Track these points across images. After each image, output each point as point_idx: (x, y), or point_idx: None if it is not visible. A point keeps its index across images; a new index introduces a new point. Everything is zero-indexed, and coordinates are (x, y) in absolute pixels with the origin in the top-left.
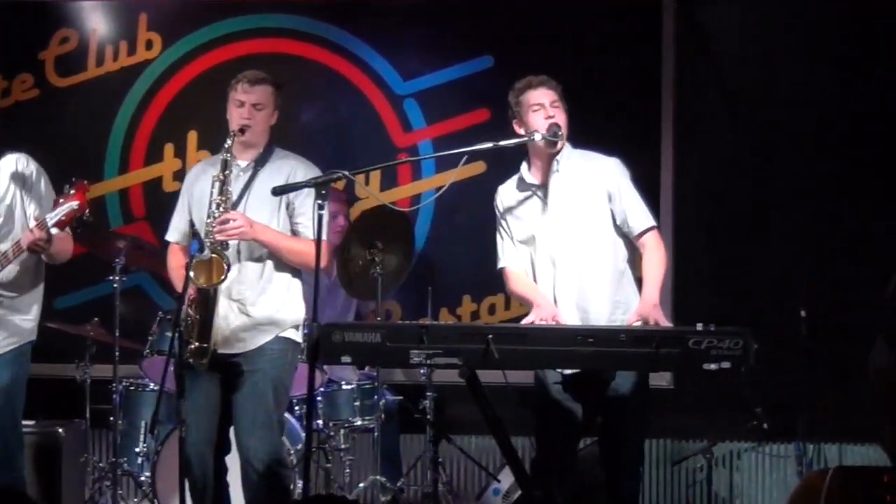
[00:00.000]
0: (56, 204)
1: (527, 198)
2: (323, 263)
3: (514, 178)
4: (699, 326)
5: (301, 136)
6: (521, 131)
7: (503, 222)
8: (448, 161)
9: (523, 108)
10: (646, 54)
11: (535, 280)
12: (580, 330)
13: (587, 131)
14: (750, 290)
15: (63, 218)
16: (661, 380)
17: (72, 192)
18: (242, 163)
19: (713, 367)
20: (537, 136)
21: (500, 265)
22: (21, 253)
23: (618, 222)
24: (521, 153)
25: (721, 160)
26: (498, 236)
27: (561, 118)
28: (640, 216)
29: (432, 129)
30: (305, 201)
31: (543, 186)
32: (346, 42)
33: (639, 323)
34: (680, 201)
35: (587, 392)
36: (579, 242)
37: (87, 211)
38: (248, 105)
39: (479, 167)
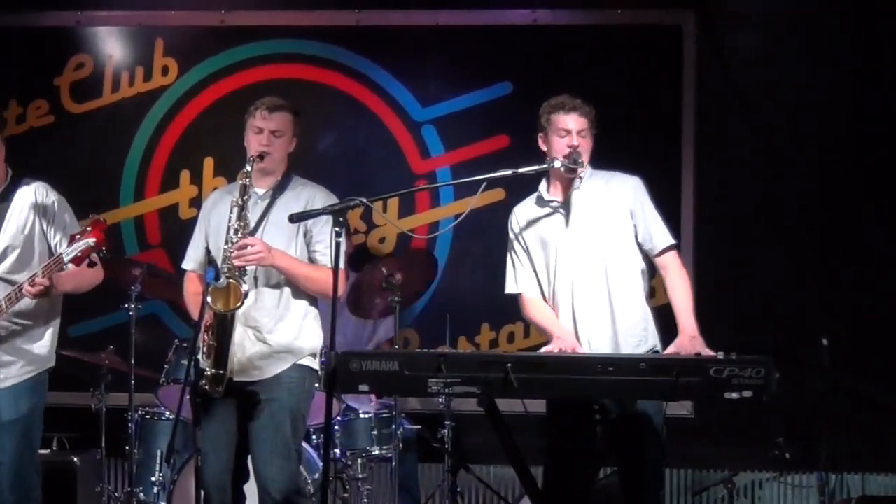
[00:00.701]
0: (72, 240)
1: (547, 214)
2: (339, 291)
3: (531, 197)
4: (720, 355)
5: (318, 163)
6: (544, 148)
7: (518, 244)
8: (467, 188)
9: (550, 128)
10: (667, 78)
11: (553, 299)
12: (600, 358)
13: (607, 154)
14: (771, 317)
15: (79, 255)
16: (681, 409)
17: (88, 228)
18: (260, 190)
19: (735, 396)
20: (557, 164)
21: (512, 290)
22: (21, 299)
23: (639, 239)
24: (541, 179)
25: (742, 184)
26: (510, 260)
27: (585, 146)
28: (661, 233)
29: (451, 155)
30: (323, 229)
31: (565, 203)
32: (363, 67)
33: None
34: (700, 227)
35: (602, 419)
36: (603, 256)
37: (105, 248)
38: (266, 132)
39: (498, 194)
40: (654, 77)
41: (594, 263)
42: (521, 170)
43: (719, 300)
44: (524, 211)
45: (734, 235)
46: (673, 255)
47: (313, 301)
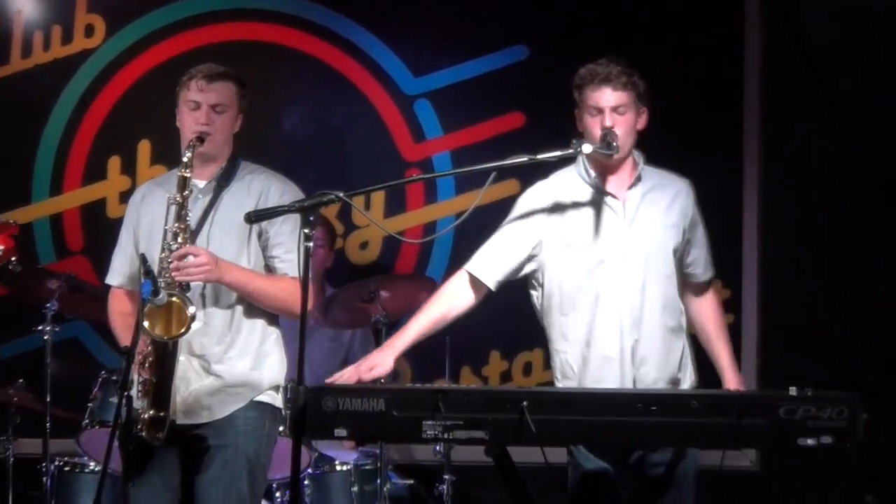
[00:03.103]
0: None
1: (595, 206)
2: (309, 305)
3: (567, 176)
4: (793, 391)
5: (283, 148)
6: (580, 127)
7: (527, 223)
8: (471, 180)
9: (582, 105)
10: (724, 44)
11: (594, 308)
12: (641, 395)
13: (649, 140)
14: (857, 347)
15: None
16: (743, 459)
17: None
18: (200, 182)
19: (811, 442)
20: (586, 148)
21: (471, 268)
22: None
23: (687, 259)
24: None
25: (818, 182)
26: (501, 236)
27: (624, 125)
28: (709, 260)
29: (451, 138)
30: (282, 228)
31: (622, 199)
32: (341, 28)
33: None
34: (766, 233)
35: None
36: (652, 276)
37: (14, 258)
38: (205, 107)
39: (510, 187)
40: (708, 42)
41: (655, 278)
42: (541, 156)
43: (790, 326)
44: (560, 192)
45: (807, 244)
46: (715, 286)
47: (273, 319)
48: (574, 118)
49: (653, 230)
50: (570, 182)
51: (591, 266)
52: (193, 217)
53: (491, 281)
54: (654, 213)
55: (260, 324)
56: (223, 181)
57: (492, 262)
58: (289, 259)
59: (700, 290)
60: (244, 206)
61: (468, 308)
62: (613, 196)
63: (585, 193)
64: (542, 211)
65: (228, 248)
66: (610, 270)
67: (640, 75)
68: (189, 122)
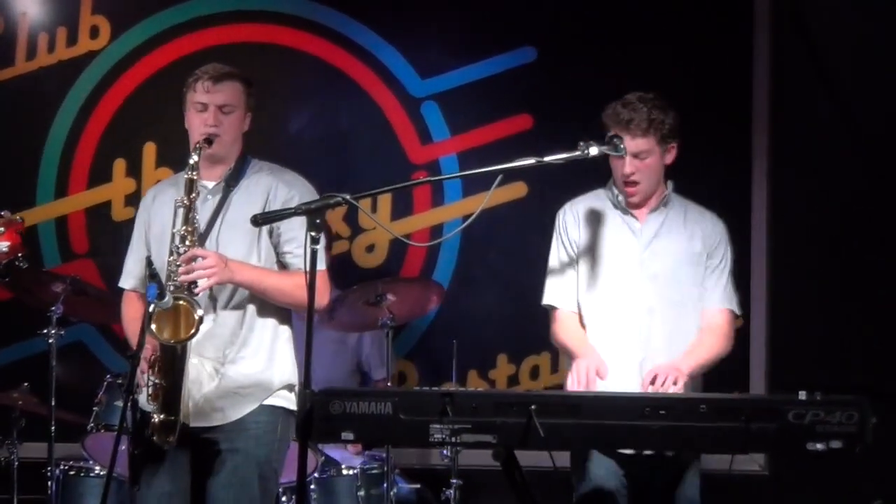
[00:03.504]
0: None
1: (617, 224)
2: (324, 300)
3: (597, 195)
4: (802, 395)
5: (289, 150)
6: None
7: (566, 246)
8: (478, 182)
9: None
10: (733, 46)
11: (602, 328)
12: (649, 399)
13: None
14: (864, 351)
15: None
16: (752, 463)
17: (0, 229)
18: (209, 183)
19: (820, 447)
20: (593, 150)
21: (547, 301)
22: None
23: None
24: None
25: (828, 186)
26: (556, 264)
27: (647, 170)
28: (727, 292)
29: (458, 140)
30: (293, 224)
31: (642, 219)
32: (347, 29)
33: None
34: (775, 237)
35: (638, 474)
36: (666, 301)
37: (21, 254)
38: (212, 108)
39: (518, 189)
40: (718, 43)
41: (675, 314)
42: (548, 158)
43: (799, 330)
44: (586, 206)
45: (817, 249)
46: (727, 314)
47: (285, 317)
48: (581, 119)
49: (667, 256)
50: (598, 199)
51: (604, 283)
52: (203, 218)
53: (573, 306)
54: (674, 239)
55: (272, 322)
56: (232, 181)
57: (566, 289)
58: (301, 254)
59: (710, 315)
60: (252, 205)
61: None
62: (634, 217)
63: (610, 211)
64: (574, 228)
65: (238, 247)
66: (620, 290)
67: (671, 108)
68: (197, 124)
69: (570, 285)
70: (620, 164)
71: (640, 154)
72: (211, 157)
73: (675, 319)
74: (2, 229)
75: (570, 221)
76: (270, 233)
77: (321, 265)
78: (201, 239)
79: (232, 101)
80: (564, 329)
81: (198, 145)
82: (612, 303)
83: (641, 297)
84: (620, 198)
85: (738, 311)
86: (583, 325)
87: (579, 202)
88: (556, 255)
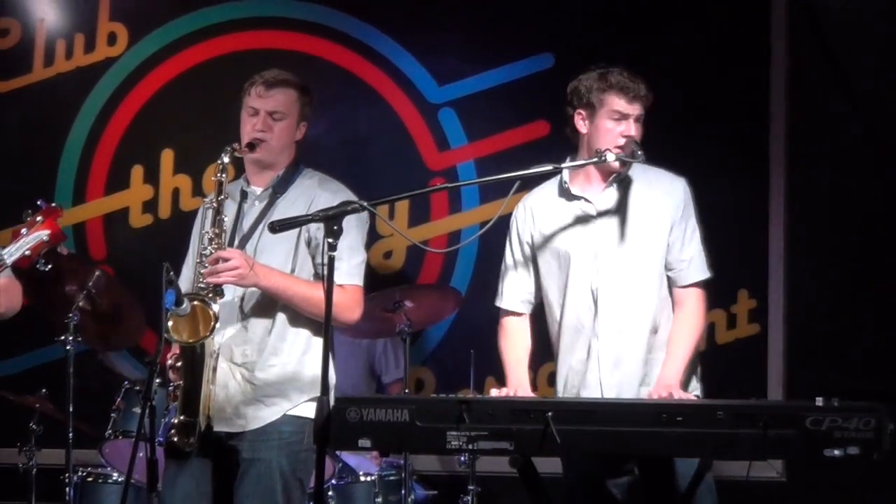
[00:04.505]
0: (16, 235)
1: (576, 216)
2: (355, 315)
3: (547, 186)
4: (819, 401)
5: (308, 156)
6: (582, 129)
7: (519, 246)
8: (496, 188)
9: (600, 108)
10: (751, 52)
11: (568, 328)
12: (666, 405)
13: (672, 149)
14: (882, 357)
15: (28, 252)
16: (769, 470)
17: (38, 218)
18: (257, 189)
19: (837, 453)
20: (610, 157)
21: (499, 302)
22: None
23: (668, 258)
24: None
25: (845, 191)
26: (506, 262)
27: (638, 134)
28: (696, 263)
29: (475, 147)
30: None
31: (603, 204)
32: (364, 36)
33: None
34: (792, 242)
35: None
36: (627, 276)
37: (62, 242)
38: (262, 114)
39: None
40: (735, 49)
41: (639, 291)
42: (566, 165)
43: (817, 336)
44: (539, 201)
45: (835, 252)
46: (698, 292)
47: (317, 329)
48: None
49: (626, 236)
50: (549, 191)
51: (561, 266)
52: (247, 223)
53: (524, 308)
54: (633, 216)
55: (305, 334)
56: (280, 188)
57: (514, 290)
58: (336, 266)
59: (682, 297)
60: (295, 213)
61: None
62: (586, 199)
63: (560, 199)
64: (526, 225)
65: (277, 255)
66: (578, 277)
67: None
68: (248, 129)
69: (520, 285)
70: (622, 128)
71: (639, 118)
72: (258, 162)
73: (638, 299)
74: (41, 218)
75: (520, 218)
76: (308, 243)
77: (357, 280)
78: (243, 242)
79: (283, 108)
80: (507, 340)
81: (233, 148)
82: (573, 292)
83: (600, 280)
84: (567, 185)
85: (709, 275)
86: (547, 321)
87: (530, 197)
88: (508, 255)
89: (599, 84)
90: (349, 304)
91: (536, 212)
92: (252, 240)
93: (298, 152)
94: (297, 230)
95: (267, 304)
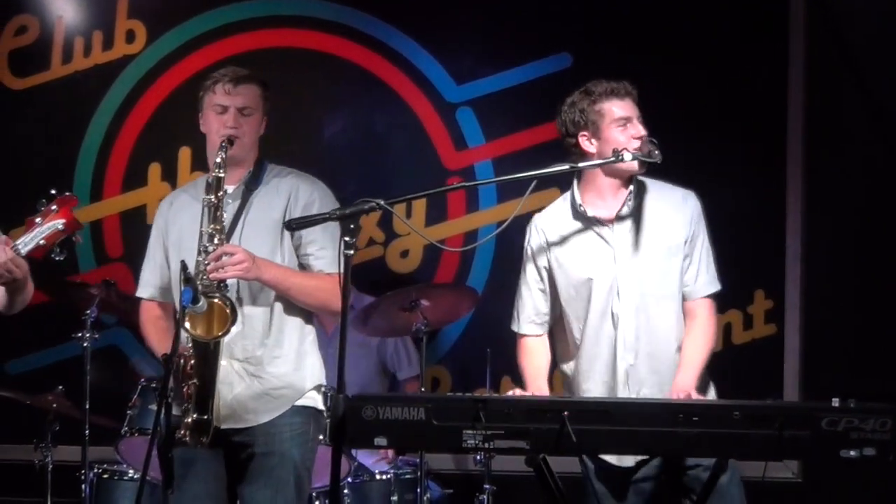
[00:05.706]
0: (30, 225)
1: (585, 236)
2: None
3: (561, 204)
4: (836, 402)
5: (323, 155)
6: (590, 148)
7: (534, 268)
8: (513, 188)
9: (603, 121)
10: (769, 52)
11: (577, 339)
12: (682, 405)
13: (694, 153)
14: None
15: (43, 242)
16: (785, 470)
17: (53, 207)
18: (229, 187)
19: (853, 454)
20: (627, 157)
21: (516, 327)
22: None
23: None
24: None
25: (862, 194)
26: (523, 285)
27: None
28: (708, 276)
29: (493, 146)
30: (315, 227)
31: (610, 223)
32: (382, 34)
33: None
34: (810, 244)
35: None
36: (648, 300)
37: (78, 231)
38: (232, 110)
39: (552, 195)
40: (754, 48)
41: (661, 313)
42: (582, 164)
43: (833, 337)
44: (552, 223)
45: (853, 253)
46: (710, 303)
47: (308, 317)
48: None
49: (642, 254)
50: (562, 212)
51: (580, 294)
52: (225, 220)
53: (542, 329)
54: (648, 237)
55: (298, 323)
56: (252, 184)
57: (532, 315)
58: (323, 256)
59: (693, 308)
60: (274, 207)
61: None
62: (602, 223)
63: (575, 223)
64: (541, 249)
65: (262, 249)
66: (599, 296)
67: None
68: (216, 126)
69: (538, 310)
70: (631, 131)
71: (639, 118)
72: (230, 159)
73: (657, 318)
74: (55, 207)
75: (534, 242)
76: (292, 234)
77: (333, 269)
78: (224, 240)
79: (251, 104)
80: (526, 357)
81: (223, 144)
82: (594, 319)
83: (621, 307)
84: (583, 208)
85: (719, 287)
86: (565, 340)
87: (540, 218)
88: (523, 279)
89: (589, 99)
90: (332, 293)
91: (550, 235)
92: (234, 236)
93: (261, 147)
94: (278, 224)
95: (261, 298)
